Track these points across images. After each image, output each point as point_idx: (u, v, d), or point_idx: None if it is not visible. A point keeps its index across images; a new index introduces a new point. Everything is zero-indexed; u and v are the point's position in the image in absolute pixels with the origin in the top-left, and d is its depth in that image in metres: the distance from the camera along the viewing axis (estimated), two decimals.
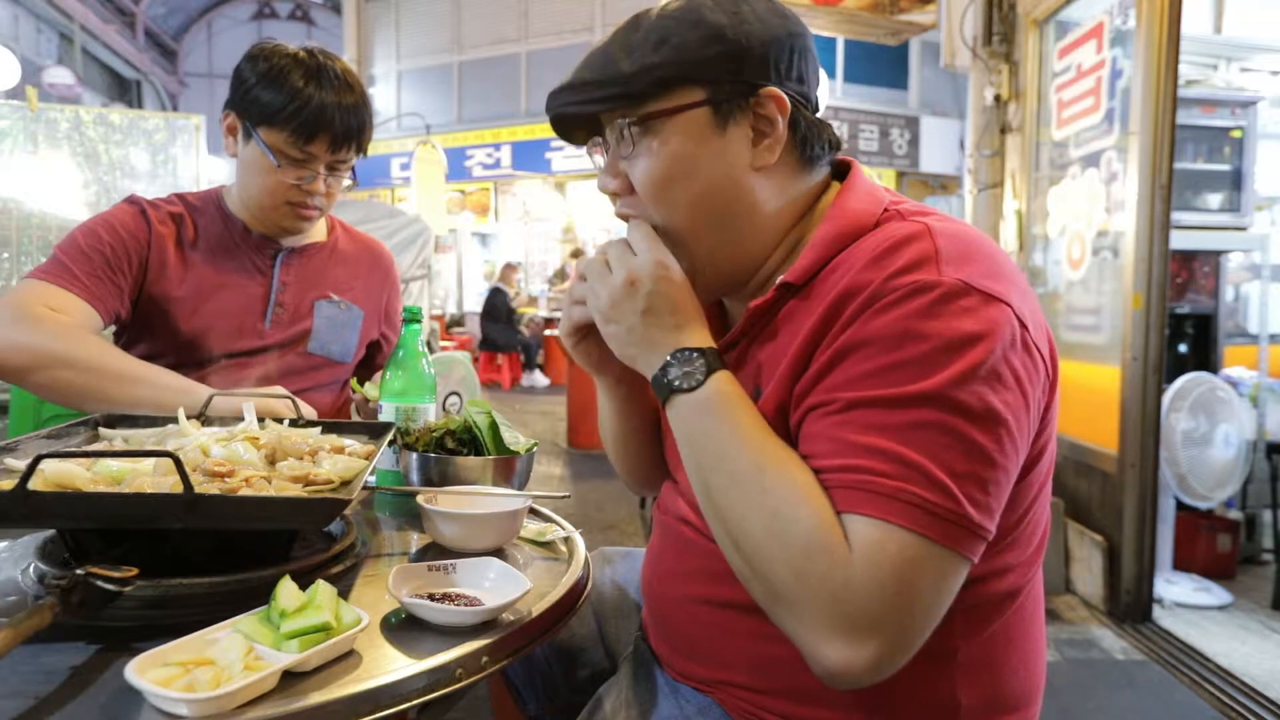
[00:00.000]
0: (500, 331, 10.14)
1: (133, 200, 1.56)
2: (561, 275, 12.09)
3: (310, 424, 1.24)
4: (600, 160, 0.95)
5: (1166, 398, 3.20)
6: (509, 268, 10.98)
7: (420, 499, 1.06)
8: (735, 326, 0.93)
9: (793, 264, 0.87)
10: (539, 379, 10.41)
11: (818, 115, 0.92)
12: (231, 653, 0.67)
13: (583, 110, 0.90)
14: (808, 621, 0.70)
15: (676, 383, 0.83)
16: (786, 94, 0.87)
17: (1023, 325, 0.76)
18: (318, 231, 1.72)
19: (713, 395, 0.82)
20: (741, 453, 0.78)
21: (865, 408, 0.73)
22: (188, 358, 1.50)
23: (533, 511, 1.26)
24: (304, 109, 1.43)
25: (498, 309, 10.15)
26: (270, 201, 1.52)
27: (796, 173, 0.91)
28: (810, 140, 0.90)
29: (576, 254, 12.19)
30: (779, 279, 0.87)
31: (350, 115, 1.47)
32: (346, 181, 1.58)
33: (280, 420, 1.24)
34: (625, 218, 0.93)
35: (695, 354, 0.84)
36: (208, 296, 1.53)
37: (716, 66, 0.86)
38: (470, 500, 1.10)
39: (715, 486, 0.79)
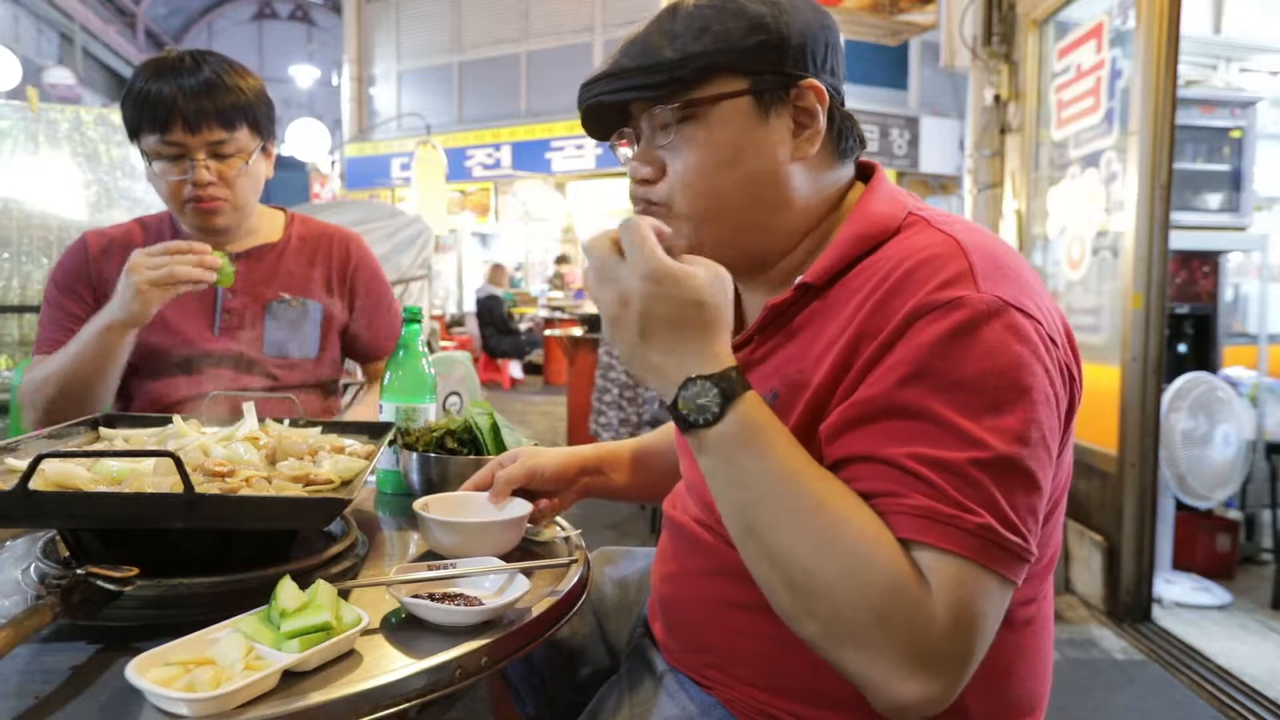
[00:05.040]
0: (495, 337, 10.08)
1: (80, 239, 1.65)
2: (559, 278, 12.06)
3: (310, 424, 1.25)
4: (628, 152, 0.94)
5: (1166, 398, 3.20)
6: (497, 269, 10.90)
7: (415, 505, 1.03)
8: (751, 323, 0.92)
9: (813, 262, 0.87)
10: (529, 378, 10.38)
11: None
12: (232, 652, 0.67)
13: (622, 98, 0.88)
14: (884, 660, 0.68)
15: (691, 417, 0.75)
16: (824, 86, 0.87)
17: (1054, 342, 0.76)
18: (270, 232, 1.72)
19: (740, 428, 0.74)
20: (794, 488, 0.73)
21: (925, 438, 0.71)
22: (145, 369, 1.57)
23: None
24: (146, 103, 1.48)
25: (491, 313, 10.07)
26: (176, 206, 1.57)
27: (829, 166, 0.92)
28: (844, 134, 0.91)
29: (562, 260, 12.19)
30: (798, 278, 0.87)
31: (197, 92, 1.47)
32: (261, 166, 1.59)
33: (280, 420, 1.24)
34: (645, 202, 0.92)
35: (707, 382, 0.75)
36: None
37: (759, 56, 0.86)
38: (468, 505, 1.08)
39: (763, 524, 0.73)
